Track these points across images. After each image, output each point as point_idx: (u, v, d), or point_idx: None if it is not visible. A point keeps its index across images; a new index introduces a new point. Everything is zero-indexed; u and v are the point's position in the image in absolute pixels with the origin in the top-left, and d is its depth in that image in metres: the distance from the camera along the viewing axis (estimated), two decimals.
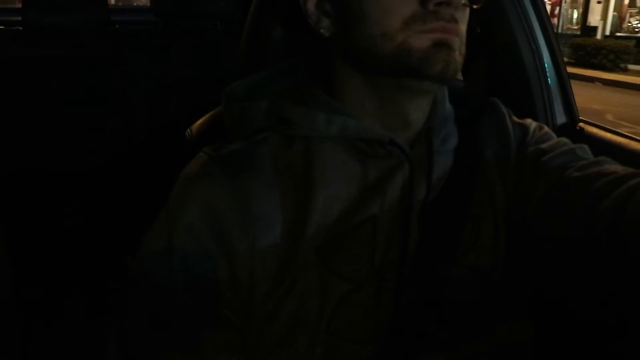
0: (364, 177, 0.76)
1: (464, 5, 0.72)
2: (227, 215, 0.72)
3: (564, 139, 0.84)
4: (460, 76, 1.12)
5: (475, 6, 0.74)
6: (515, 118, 0.88)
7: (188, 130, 0.94)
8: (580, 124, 1.26)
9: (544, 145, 0.82)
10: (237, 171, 0.74)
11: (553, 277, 0.79)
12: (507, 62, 1.26)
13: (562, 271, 0.77)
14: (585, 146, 0.83)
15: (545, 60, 1.25)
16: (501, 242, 0.80)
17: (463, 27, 0.73)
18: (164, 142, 2.15)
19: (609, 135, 1.18)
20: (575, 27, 17.11)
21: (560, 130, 1.23)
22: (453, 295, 0.77)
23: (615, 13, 16.23)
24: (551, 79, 1.25)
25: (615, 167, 0.74)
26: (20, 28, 2.13)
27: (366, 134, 0.75)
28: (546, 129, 0.87)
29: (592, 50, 12.81)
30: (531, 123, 0.87)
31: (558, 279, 0.79)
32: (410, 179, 0.76)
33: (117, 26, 2.25)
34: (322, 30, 0.77)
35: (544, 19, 1.27)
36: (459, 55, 0.71)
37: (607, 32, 15.63)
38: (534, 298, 0.83)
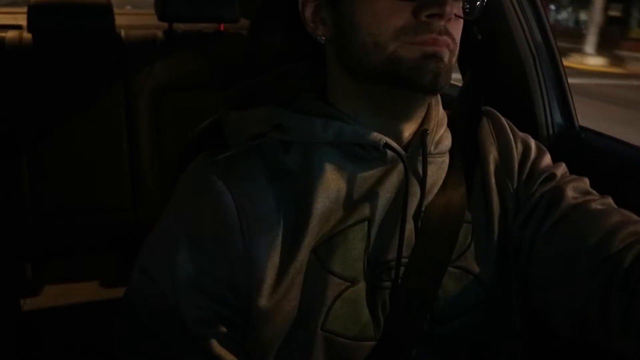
0: (359, 181, 0.77)
1: (457, 16, 0.73)
2: (223, 219, 0.73)
3: (564, 165, 0.87)
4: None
5: (469, 18, 0.75)
6: (516, 130, 0.89)
7: (189, 134, 0.95)
8: (579, 129, 1.27)
9: (551, 169, 0.85)
10: (235, 175, 0.75)
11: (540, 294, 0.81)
12: (507, 67, 1.27)
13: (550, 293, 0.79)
14: (586, 179, 0.85)
15: (545, 67, 1.26)
16: (493, 249, 0.82)
17: (455, 39, 0.74)
18: (167, 146, 2.17)
19: (606, 142, 1.19)
20: None
21: (558, 134, 1.24)
22: (447, 295, 0.79)
23: None
24: (551, 85, 1.25)
25: (629, 217, 0.77)
26: (26, 33, 2.15)
27: (361, 138, 0.76)
28: (544, 149, 0.89)
29: None
30: (530, 139, 0.89)
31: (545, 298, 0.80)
32: (405, 181, 0.77)
33: (122, 31, 2.26)
34: (319, 37, 0.79)
35: (544, 23, 1.28)
36: (449, 66, 0.73)
37: None
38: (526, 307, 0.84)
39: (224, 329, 0.75)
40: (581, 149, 1.20)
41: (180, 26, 2.30)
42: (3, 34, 2.12)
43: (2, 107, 2.04)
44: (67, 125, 2.13)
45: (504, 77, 1.29)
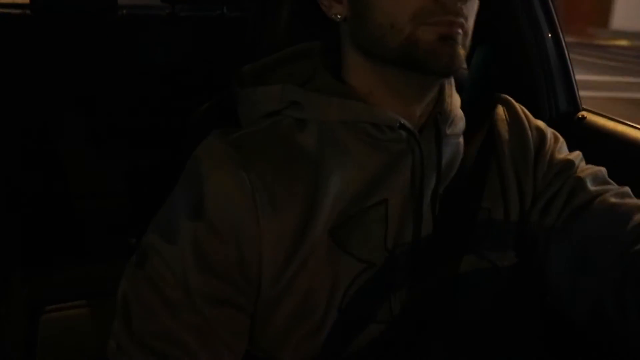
0: (375, 161, 0.77)
1: None
2: (237, 198, 0.72)
3: (580, 153, 0.87)
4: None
5: None
6: (531, 117, 0.89)
7: (195, 113, 0.95)
8: (583, 112, 1.27)
9: (569, 158, 0.84)
10: (249, 154, 0.74)
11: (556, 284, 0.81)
12: (509, 50, 1.27)
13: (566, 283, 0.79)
14: (604, 168, 0.85)
15: (548, 49, 1.26)
16: (510, 236, 0.82)
17: (470, 21, 0.73)
18: (172, 127, 2.17)
19: (610, 124, 1.19)
20: None
21: (562, 118, 1.24)
22: (464, 281, 0.78)
23: None
24: (554, 67, 1.25)
25: None
26: (28, 12, 2.14)
27: (377, 118, 0.76)
28: (560, 136, 0.89)
29: None
30: (546, 127, 0.89)
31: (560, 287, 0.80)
32: (421, 162, 0.77)
33: (124, 11, 2.25)
34: (333, 16, 0.78)
35: (548, 6, 1.27)
36: (464, 48, 0.72)
37: None
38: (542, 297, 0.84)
39: (230, 311, 0.74)
40: (584, 131, 1.20)
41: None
42: (6, 13, 2.12)
43: (3, 87, 2.04)
44: (69, 105, 2.13)
45: (507, 59, 1.29)
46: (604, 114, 1.24)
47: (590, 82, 7.63)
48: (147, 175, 2.13)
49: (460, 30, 0.71)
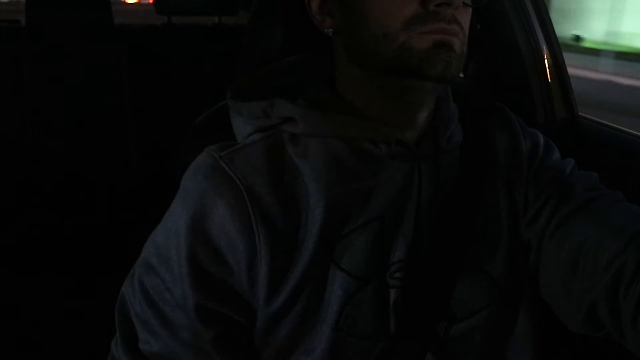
0: (371, 177, 0.76)
1: (465, 5, 0.72)
2: (232, 216, 0.72)
3: (573, 161, 0.87)
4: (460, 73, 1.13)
5: (476, 6, 0.74)
6: (525, 126, 0.89)
7: (190, 126, 0.95)
8: (578, 118, 1.27)
9: (561, 165, 0.84)
10: (243, 171, 0.73)
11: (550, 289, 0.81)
12: (505, 58, 1.27)
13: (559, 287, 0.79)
14: (595, 174, 0.85)
15: (544, 55, 1.26)
16: (504, 247, 0.81)
17: (464, 28, 0.73)
18: (167, 139, 2.17)
19: (605, 130, 1.19)
20: None
21: (559, 125, 1.24)
22: (460, 294, 0.78)
23: None
24: (550, 73, 1.26)
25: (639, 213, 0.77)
26: (23, 24, 2.14)
27: (373, 133, 0.75)
28: (553, 145, 0.89)
29: None
30: (540, 136, 0.89)
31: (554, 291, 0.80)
32: (418, 178, 0.77)
33: (120, 23, 2.25)
34: (326, 30, 0.78)
35: (543, 14, 1.28)
36: (459, 55, 0.72)
37: None
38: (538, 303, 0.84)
39: (228, 330, 0.74)
40: (581, 138, 1.20)
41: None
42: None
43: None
44: (64, 116, 2.13)
45: (503, 66, 1.29)
46: (599, 120, 1.24)
47: None
48: (144, 188, 2.13)
49: (456, 37, 0.71)
